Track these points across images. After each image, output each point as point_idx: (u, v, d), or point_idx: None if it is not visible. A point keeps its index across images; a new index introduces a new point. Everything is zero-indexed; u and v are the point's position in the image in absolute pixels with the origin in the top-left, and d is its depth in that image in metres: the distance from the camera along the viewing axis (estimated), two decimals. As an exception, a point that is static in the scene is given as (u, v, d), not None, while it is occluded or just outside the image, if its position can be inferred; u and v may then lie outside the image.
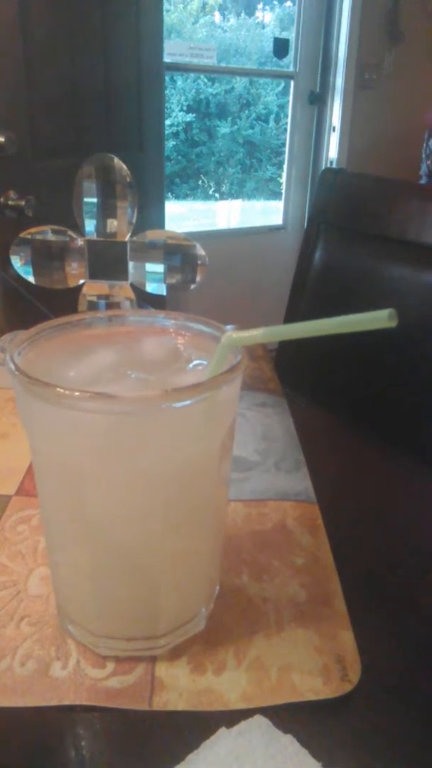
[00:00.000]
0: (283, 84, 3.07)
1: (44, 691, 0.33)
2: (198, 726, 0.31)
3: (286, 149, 2.82)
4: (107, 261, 0.67)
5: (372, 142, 2.73)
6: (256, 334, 0.29)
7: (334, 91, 2.66)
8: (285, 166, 2.85)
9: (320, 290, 1.03)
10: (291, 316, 1.07)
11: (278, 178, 3.18)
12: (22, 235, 0.66)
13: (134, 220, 0.65)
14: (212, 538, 0.36)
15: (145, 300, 0.71)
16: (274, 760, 0.29)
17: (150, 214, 1.82)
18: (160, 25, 1.80)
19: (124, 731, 0.31)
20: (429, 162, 2.59)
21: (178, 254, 0.66)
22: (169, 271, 0.66)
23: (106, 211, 0.65)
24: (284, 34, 2.83)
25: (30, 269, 0.67)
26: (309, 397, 0.72)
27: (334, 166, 2.70)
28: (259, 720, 0.31)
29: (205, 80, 3.18)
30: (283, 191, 2.89)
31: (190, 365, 0.35)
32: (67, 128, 1.59)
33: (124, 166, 0.63)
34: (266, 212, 3.44)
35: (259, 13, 3.20)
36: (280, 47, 2.67)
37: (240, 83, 3.28)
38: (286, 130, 2.82)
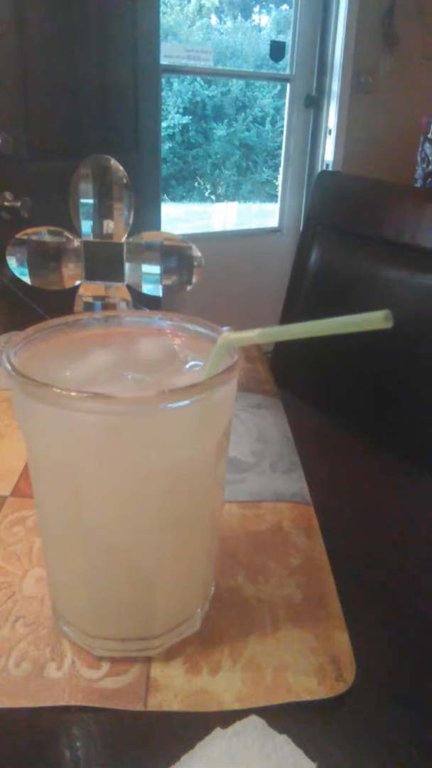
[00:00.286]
0: (279, 87, 3.08)
1: (39, 692, 0.33)
2: (193, 726, 0.31)
3: (282, 152, 2.82)
4: (103, 262, 0.67)
5: (368, 145, 2.74)
6: (252, 335, 0.29)
7: (330, 94, 2.67)
8: (281, 169, 2.86)
9: (316, 292, 1.03)
10: (287, 318, 1.08)
11: (274, 181, 3.19)
12: (18, 236, 0.66)
13: (130, 222, 0.65)
14: (208, 539, 0.36)
15: (141, 301, 0.71)
16: (270, 760, 0.29)
17: (146, 216, 1.82)
18: (157, 27, 1.80)
19: (119, 732, 0.31)
20: (424, 165, 2.60)
21: (175, 256, 0.66)
22: (165, 272, 0.67)
23: (102, 212, 0.65)
24: (281, 37, 2.84)
25: (26, 270, 0.67)
26: (304, 398, 0.72)
27: (329, 168, 2.71)
28: (254, 720, 0.31)
29: (202, 82, 3.19)
30: (279, 194, 2.89)
31: (187, 366, 0.35)
32: (63, 130, 1.59)
33: (121, 168, 0.63)
34: (262, 215, 3.44)
35: (255, 16, 3.21)
36: (277, 50, 2.68)
37: (236, 86, 3.29)
38: (282, 132, 2.82)
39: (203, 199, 3.49)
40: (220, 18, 3.17)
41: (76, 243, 0.66)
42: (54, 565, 0.37)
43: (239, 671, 0.34)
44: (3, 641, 0.36)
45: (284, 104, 2.76)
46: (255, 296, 2.53)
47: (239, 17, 3.16)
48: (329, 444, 0.65)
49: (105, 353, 0.36)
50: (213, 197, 3.52)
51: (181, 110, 3.22)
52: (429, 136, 2.57)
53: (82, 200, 0.64)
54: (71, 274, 0.68)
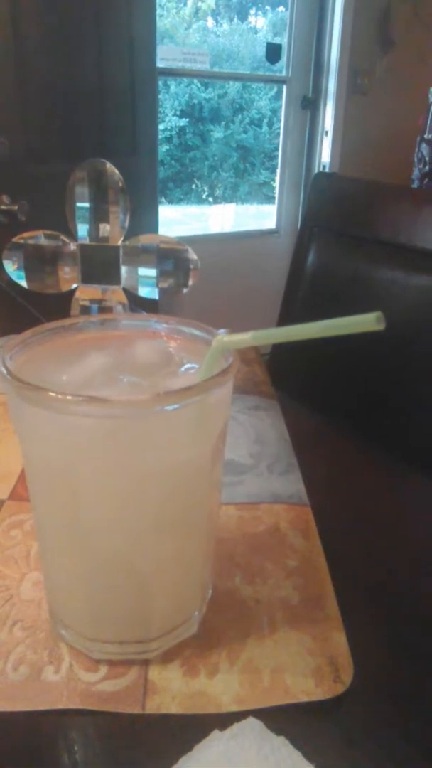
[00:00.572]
0: (275, 89, 3.08)
1: (37, 696, 0.33)
2: (191, 729, 0.31)
3: (279, 153, 2.83)
4: (100, 265, 0.67)
5: (364, 146, 2.75)
6: (246, 338, 0.29)
7: (327, 96, 2.68)
8: (278, 170, 2.87)
9: (313, 293, 1.03)
10: (284, 320, 1.08)
11: (271, 182, 3.20)
12: (14, 239, 0.66)
13: (127, 225, 0.66)
14: (205, 542, 0.36)
15: (137, 304, 0.71)
16: (267, 761, 0.29)
17: (143, 219, 1.83)
18: (153, 30, 1.80)
19: (117, 735, 0.31)
20: (421, 166, 2.60)
21: (171, 258, 0.66)
22: (161, 275, 0.67)
23: (98, 215, 0.65)
24: (277, 39, 2.85)
25: (23, 274, 0.67)
26: (302, 400, 0.72)
27: (326, 170, 2.72)
28: (252, 722, 0.31)
29: (198, 85, 3.19)
30: (276, 195, 2.90)
31: (182, 369, 0.36)
32: (60, 133, 1.59)
33: (117, 171, 0.64)
34: (259, 216, 3.45)
35: (251, 19, 3.22)
36: (273, 52, 2.68)
37: (233, 88, 3.29)
38: (279, 134, 2.83)
39: (201, 201, 3.50)
40: (216, 20, 3.18)
41: (73, 246, 0.66)
42: (51, 569, 0.37)
43: (237, 673, 0.34)
44: (1, 645, 0.36)
45: (281, 106, 2.76)
46: (253, 297, 2.53)
47: (235, 19, 3.16)
48: (327, 445, 0.65)
49: (101, 356, 0.36)
50: (210, 199, 3.52)
51: (178, 113, 3.22)
52: (425, 136, 2.58)
53: (79, 204, 0.64)
54: (68, 278, 0.68)
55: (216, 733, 0.30)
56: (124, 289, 0.69)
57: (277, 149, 2.89)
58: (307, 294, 1.04)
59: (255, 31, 3.16)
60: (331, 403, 0.84)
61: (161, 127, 3.08)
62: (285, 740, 0.30)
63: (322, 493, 0.51)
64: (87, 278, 0.68)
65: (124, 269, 0.67)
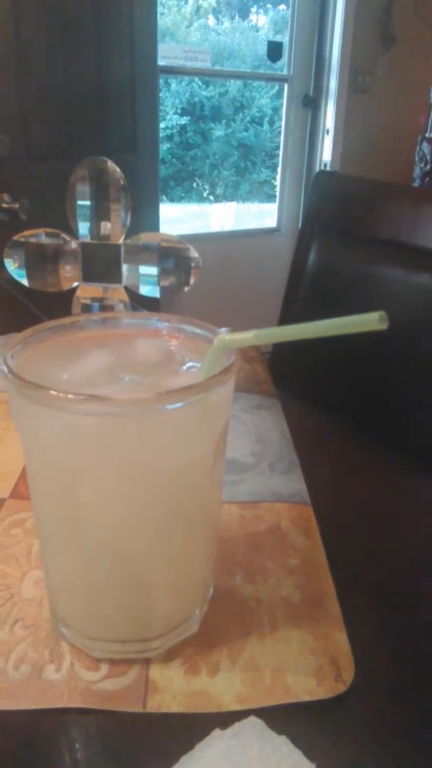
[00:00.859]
0: (277, 87, 3.08)
1: (38, 695, 0.33)
2: (192, 728, 0.31)
3: (280, 152, 2.83)
4: (101, 264, 0.67)
5: (365, 144, 2.74)
6: (248, 337, 0.29)
7: (328, 94, 2.67)
8: (279, 169, 2.86)
9: (314, 292, 1.03)
10: (285, 318, 1.08)
11: (272, 181, 3.19)
12: (15, 238, 0.66)
13: (128, 223, 0.65)
14: (206, 540, 0.36)
15: (139, 302, 0.71)
16: (269, 761, 0.29)
17: (144, 217, 1.83)
18: (154, 28, 1.80)
19: (118, 734, 0.31)
20: (422, 164, 2.60)
21: (172, 257, 0.66)
22: (162, 273, 0.67)
23: (99, 213, 0.65)
24: (278, 38, 2.84)
25: (24, 272, 0.67)
26: (303, 399, 0.72)
27: (327, 168, 2.71)
28: (253, 721, 0.31)
29: (200, 83, 3.19)
30: (278, 194, 2.90)
31: (183, 368, 0.35)
32: (60, 131, 1.59)
33: (118, 169, 0.63)
34: (260, 215, 3.45)
35: (253, 17, 3.21)
36: (274, 50, 2.68)
37: (234, 86, 3.29)
38: (280, 132, 2.83)
39: (201, 199, 3.50)
40: (217, 18, 3.17)
41: (74, 245, 0.66)
42: (52, 567, 0.37)
43: (238, 672, 0.34)
44: (2, 643, 0.36)
45: (282, 104, 2.76)
46: (253, 296, 2.53)
47: (236, 18, 3.16)
48: (328, 444, 0.65)
49: (102, 355, 0.36)
50: (211, 198, 3.52)
51: (179, 111, 3.22)
52: (427, 135, 2.58)
53: (79, 202, 0.64)
54: (69, 276, 0.68)
55: (217, 732, 0.30)
56: (126, 288, 0.69)
57: (278, 148, 2.89)
58: (308, 292, 1.04)
59: (256, 29, 3.16)
60: (333, 401, 0.84)
61: (162, 125, 3.08)
62: (286, 739, 0.30)
63: (323, 492, 0.51)
64: (88, 276, 0.68)
65: (125, 267, 0.67)
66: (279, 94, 2.93)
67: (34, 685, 0.33)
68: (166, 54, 2.42)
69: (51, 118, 1.57)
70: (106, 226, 0.65)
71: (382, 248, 0.94)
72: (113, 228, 0.65)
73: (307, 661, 0.35)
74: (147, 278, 0.67)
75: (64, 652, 0.35)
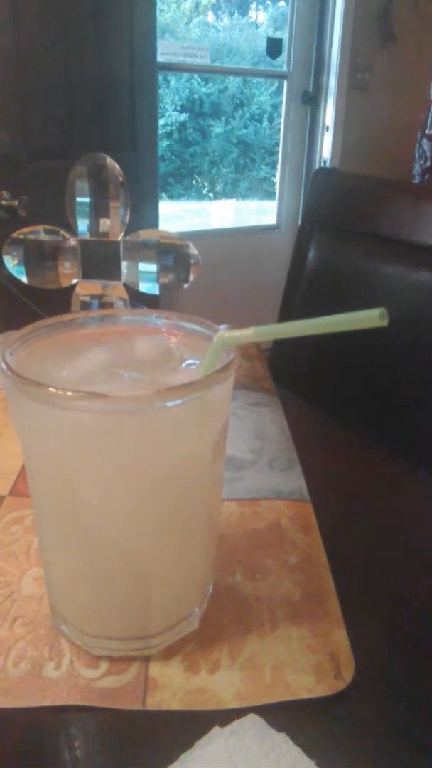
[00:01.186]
0: (276, 84, 3.07)
1: (37, 692, 0.33)
2: (192, 725, 0.31)
3: (280, 149, 2.82)
4: (100, 261, 0.67)
5: (365, 141, 2.74)
6: (248, 334, 0.29)
7: (327, 91, 2.67)
8: (278, 166, 2.86)
9: (314, 289, 1.03)
10: (285, 315, 1.08)
11: (272, 178, 3.19)
12: (14, 234, 0.65)
13: (127, 220, 0.65)
14: (206, 537, 0.36)
15: (138, 299, 0.71)
16: (268, 758, 0.29)
17: (144, 214, 1.82)
18: (154, 24, 1.80)
19: (117, 731, 0.31)
20: (422, 161, 2.59)
21: (172, 254, 0.66)
22: (162, 270, 0.66)
23: (98, 210, 0.64)
24: (277, 34, 2.83)
25: (23, 269, 0.66)
26: (302, 396, 0.72)
27: (327, 165, 2.71)
28: (252, 718, 0.31)
29: (199, 80, 3.18)
30: (277, 191, 2.89)
31: (183, 364, 0.35)
32: (59, 128, 1.58)
33: (117, 166, 0.63)
34: (260, 212, 3.44)
35: (252, 13, 3.20)
36: (274, 47, 2.67)
37: (233, 83, 3.28)
38: (279, 129, 2.82)
39: (201, 196, 3.49)
40: (216, 15, 3.16)
41: (73, 241, 0.66)
42: (52, 565, 0.36)
43: (238, 670, 0.34)
44: (1, 641, 0.36)
45: (281, 101, 2.75)
46: (253, 293, 2.53)
47: (236, 14, 3.15)
48: (327, 441, 0.65)
49: (101, 352, 0.36)
50: (211, 195, 3.52)
51: (178, 108, 3.21)
52: (426, 132, 2.57)
53: (79, 199, 0.64)
54: (68, 273, 0.67)
55: (217, 730, 0.30)
56: (125, 285, 0.68)
57: (277, 145, 2.88)
58: (308, 289, 1.04)
59: (255, 25, 3.15)
60: (332, 399, 0.83)
61: (161, 122, 3.07)
62: (286, 737, 0.30)
63: (323, 490, 0.51)
64: (87, 273, 0.68)
65: (124, 264, 0.67)
66: (278, 91, 2.92)
67: (34, 683, 0.33)
68: (166, 51, 2.41)
69: (50, 115, 1.56)
70: (105, 223, 0.65)
71: (382, 245, 0.94)
72: (112, 225, 0.65)
73: (306, 659, 0.35)
74: (146, 275, 0.67)
75: (64, 650, 0.35)
